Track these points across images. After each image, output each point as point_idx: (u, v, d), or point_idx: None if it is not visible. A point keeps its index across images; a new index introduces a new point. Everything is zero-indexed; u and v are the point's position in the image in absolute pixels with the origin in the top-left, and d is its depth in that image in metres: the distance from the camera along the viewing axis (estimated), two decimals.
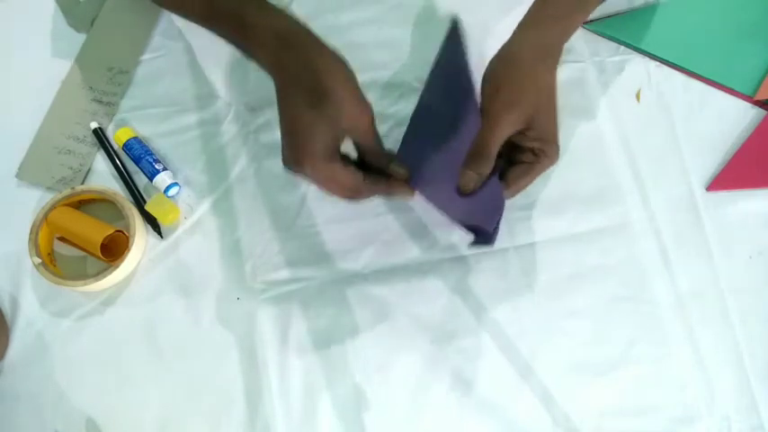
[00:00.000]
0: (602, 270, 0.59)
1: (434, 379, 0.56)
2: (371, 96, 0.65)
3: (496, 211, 0.56)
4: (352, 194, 0.53)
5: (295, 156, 0.51)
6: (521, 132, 0.53)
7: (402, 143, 0.55)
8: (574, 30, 0.57)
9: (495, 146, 0.52)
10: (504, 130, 0.52)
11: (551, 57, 0.55)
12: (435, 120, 0.53)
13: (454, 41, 0.47)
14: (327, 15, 0.68)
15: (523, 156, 0.54)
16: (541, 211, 0.60)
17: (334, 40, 0.64)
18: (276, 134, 0.64)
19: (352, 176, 0.52)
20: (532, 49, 0.54)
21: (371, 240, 0.60)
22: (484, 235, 0.57)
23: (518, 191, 0.55)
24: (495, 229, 0.56)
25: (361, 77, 0.65)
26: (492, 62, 0.55)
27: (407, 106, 0.65)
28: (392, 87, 0.65)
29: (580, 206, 0.60)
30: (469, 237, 0.58)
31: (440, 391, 0.56)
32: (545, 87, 0.53)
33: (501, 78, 0.53)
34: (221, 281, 0.59)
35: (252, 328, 0.58)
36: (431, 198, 0.57)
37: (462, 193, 0.52)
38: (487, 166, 0.52)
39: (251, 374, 0.57)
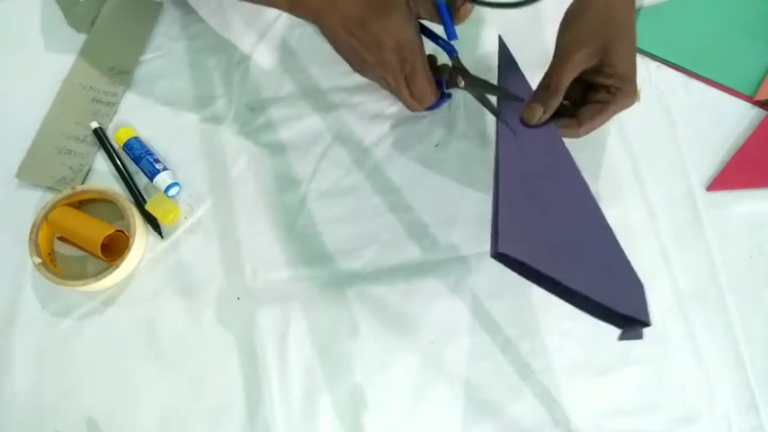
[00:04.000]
0: None
1: (434, 379, 0.56)
2: (372, 96, 0.65)
3: (631, 289, 0.45)
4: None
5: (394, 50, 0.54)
6: (595, 69, 0.52)
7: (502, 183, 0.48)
8: None
9: (564, 79, 0.52)
10: (574, 65, 0.52)
11: None
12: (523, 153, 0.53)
13: (505, 56, 0.56)
14: None
15: (598, 95, 0.53)
16: None
17: None
18: (276, 134, 0.64)
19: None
20: None
21: (371, 240, 0.60)
22: (625, 320, 0.45)
23: (590, 129, 0.55)
24: (638, 311, 0.44)
25: (361, 77, 0.66)
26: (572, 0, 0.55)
27: None
28: None
29: None
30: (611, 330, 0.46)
31: (440, 391, 0.56)
32: (620, 21, 0.52)
33: (575, 13, 0.53)
34: (221, 281, 0.59)
35: (252, 328, 0.58)
36: (547, 266, 0.44)
37: (526, 123, 0.53)
38: (554, 100, 0.53)
39: (251, 374, 0.57)
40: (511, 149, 0.51)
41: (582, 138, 0.62)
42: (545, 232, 0.46)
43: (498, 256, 0.42)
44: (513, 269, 0.44)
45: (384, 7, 0.55)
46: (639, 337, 0.45)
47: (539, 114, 0.53)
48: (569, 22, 0.53)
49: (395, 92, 0.58)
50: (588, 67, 0.52)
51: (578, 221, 0.49)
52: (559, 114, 0.55)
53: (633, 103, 0.53)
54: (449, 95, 0.59)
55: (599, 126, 0.54)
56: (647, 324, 0.44)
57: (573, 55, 0.52)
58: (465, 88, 0.58)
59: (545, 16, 0.67)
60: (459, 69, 0.57)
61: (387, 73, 0.56)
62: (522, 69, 0.58)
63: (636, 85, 0.53)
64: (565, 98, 0.54)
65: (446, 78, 0.58)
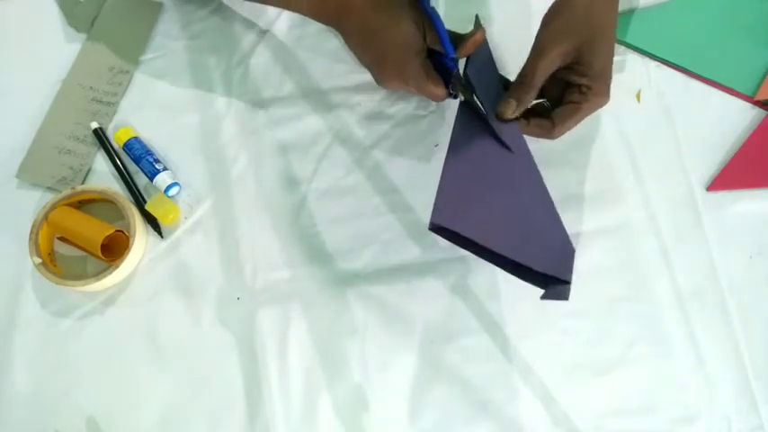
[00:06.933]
0: (602, 270, 0.59)
1: (434, 379, 0.56)
2: (372, 96, 0.65)
3: (561, 254, 0.52)
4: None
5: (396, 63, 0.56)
6: (570, 68, 0.53)
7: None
8: None
9: (539, 75, 0.52)
10: (548, 61, 0.52)
11: None
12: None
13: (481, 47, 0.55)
14: None
15: (572, 95, 0.54)
16: None
17: (333, 41, 0.64)
18: (276, 134, 0.64)
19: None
20: None
21: (371, 240, 0.60)
22: (549, 281, 0.50)
23: (564, 131, 0.55)
24: (562, 274, 0.50)
25: (363, 77, 0.66)
26: None
27: (407, 106, 0.65)
28: None
29: (580, 206, 0.60)
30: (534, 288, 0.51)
31: (440, 391, 0.56)
32: (599, 21, 0.53)
33: (555, 11, 0.54)
34: (221, 281, 0.59)
35: (252, 328, 0.58)
36: (477, 229, 0.50)
37: (499, 117, 0.54)
38: (528, 95, 0.53)
39: (251, 374, 0.57)
40: (466, 133, 0.55)
41: (581, 137, 0.62)
42: (482, 205, 0.51)
43: (433, 227, 0.49)
44: (451, 239, 0.51)
45: (390, 23, 0.56)
46: (564, 297, 0.51)
47: (512, 108, 0.53)
48: (548, 20, 0.54)
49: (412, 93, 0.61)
50: (563, 65, 0.53)
51: (520, 196, 0.54)
52: (538, 114, 0.55)
53: (605, 103, 0.54)
54: (455, 96, 0.60)
55: (573, 127, 0.55)
56: (566, 283, 0.51)
57: (547, 52, 0.52)
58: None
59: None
60: (459, 83, 0.57)
61: (396, 85, 0.59)
62: (513, 65, 0.58)
63: (609, 86, 0.53)
64: (544, 97, 0.55)
65: (452, 82, 0.59)
